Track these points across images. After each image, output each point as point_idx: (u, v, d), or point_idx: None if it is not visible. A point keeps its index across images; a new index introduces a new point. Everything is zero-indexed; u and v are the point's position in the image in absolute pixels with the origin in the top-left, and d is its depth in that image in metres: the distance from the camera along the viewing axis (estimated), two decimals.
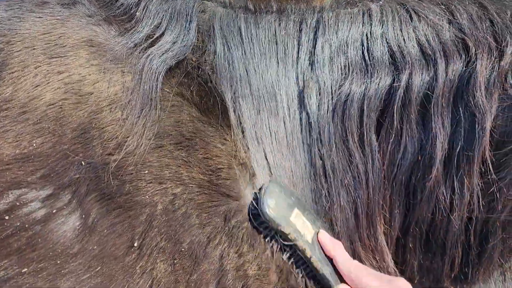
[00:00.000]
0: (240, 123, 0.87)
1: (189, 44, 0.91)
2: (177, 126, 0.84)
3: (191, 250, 0.70)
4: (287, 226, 0.72)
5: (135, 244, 0.68)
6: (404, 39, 0.81)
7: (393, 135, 0.78)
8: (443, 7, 0.84)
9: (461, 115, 0.75)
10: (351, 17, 0.86)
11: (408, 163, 0.78)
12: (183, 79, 0.89)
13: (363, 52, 0.83)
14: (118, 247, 0.67)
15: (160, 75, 0.88)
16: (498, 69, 0.76)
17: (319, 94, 0.85)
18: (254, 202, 0.76)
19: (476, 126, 0.74)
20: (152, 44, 0.92)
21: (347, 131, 0.80)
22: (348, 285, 0.74)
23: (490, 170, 0.73)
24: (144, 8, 0.95)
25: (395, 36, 0.82)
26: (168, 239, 0.69)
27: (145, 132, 0.80)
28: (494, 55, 0.77)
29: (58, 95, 0.79)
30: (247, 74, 0.90)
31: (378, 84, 0.79)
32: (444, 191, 0.76)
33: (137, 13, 0.95)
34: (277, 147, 0.86)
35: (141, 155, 0.77)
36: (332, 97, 0.84)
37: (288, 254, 0.75)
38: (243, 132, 0.86)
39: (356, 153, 0.80)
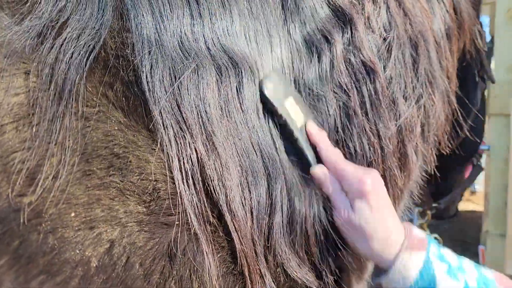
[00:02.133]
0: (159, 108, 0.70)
1: (103, 28, 0.73)
2: (107, 141, 0.68)
3: None
4: (280, 108, 0.80)
5: None
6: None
7: None
8: None
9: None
10: None
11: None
12: (105, 78, 0.71)
13: None
14: None
15: (85, 64, 0.69)
16: None
17: None
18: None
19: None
20: (59, 33, 0.71)
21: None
22: (327, 168, 0.81)
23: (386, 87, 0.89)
24: None
25: None
26: None
27: (66, 153, 0.63)
28: None
29: None
30: (159, 37, 0.74)
31: None
32: (370, 127, 0.86)
33: None
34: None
35: (63, 190, 0.60)
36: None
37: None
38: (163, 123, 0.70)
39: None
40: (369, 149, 0.87)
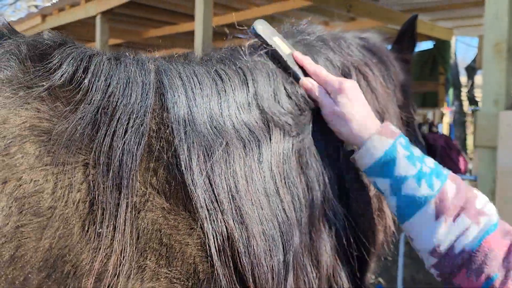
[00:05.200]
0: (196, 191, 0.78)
1: (148, 112, 0.79)
2: (155, 230, 0.74)
3: None
4: (270, 41, 1.03)
5: None
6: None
7: None
8: None
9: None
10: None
11: None
12: (150, 164, 0.77)
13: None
14: None
15: (136, 151, 0.74)
16: None
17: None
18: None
19: None
20: (111, 119, 0.76)
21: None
22: (313, 78, 1.03)
23: None
24: (93, 74, 0.80)
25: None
26: None
27: (126, 249, 0.68)
28: None
29: (11, 221, 0.61)
30: (191, 116, 0.83)
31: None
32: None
33: (85, 81, 0.79)
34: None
35: None
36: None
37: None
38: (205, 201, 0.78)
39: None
40: None
